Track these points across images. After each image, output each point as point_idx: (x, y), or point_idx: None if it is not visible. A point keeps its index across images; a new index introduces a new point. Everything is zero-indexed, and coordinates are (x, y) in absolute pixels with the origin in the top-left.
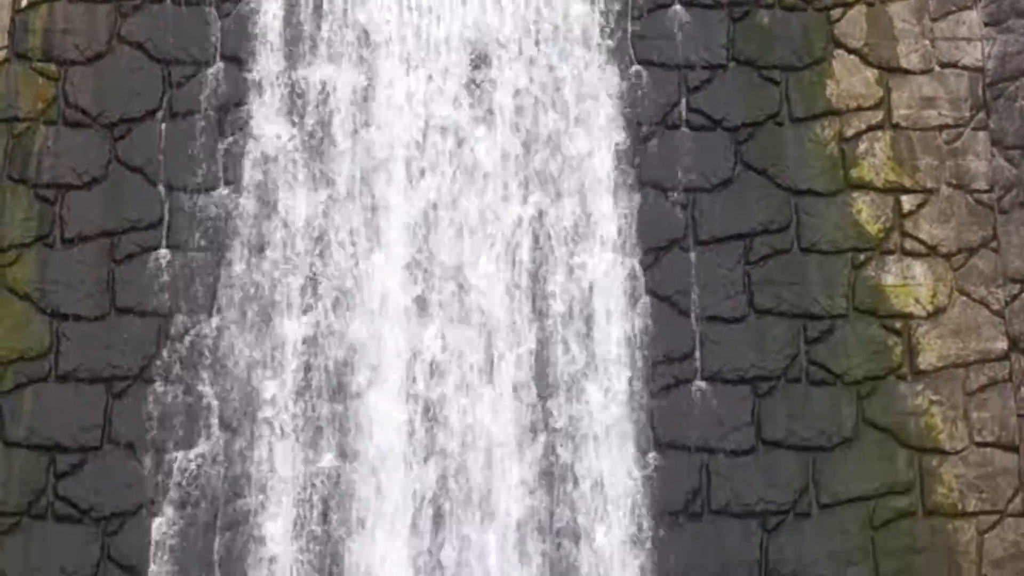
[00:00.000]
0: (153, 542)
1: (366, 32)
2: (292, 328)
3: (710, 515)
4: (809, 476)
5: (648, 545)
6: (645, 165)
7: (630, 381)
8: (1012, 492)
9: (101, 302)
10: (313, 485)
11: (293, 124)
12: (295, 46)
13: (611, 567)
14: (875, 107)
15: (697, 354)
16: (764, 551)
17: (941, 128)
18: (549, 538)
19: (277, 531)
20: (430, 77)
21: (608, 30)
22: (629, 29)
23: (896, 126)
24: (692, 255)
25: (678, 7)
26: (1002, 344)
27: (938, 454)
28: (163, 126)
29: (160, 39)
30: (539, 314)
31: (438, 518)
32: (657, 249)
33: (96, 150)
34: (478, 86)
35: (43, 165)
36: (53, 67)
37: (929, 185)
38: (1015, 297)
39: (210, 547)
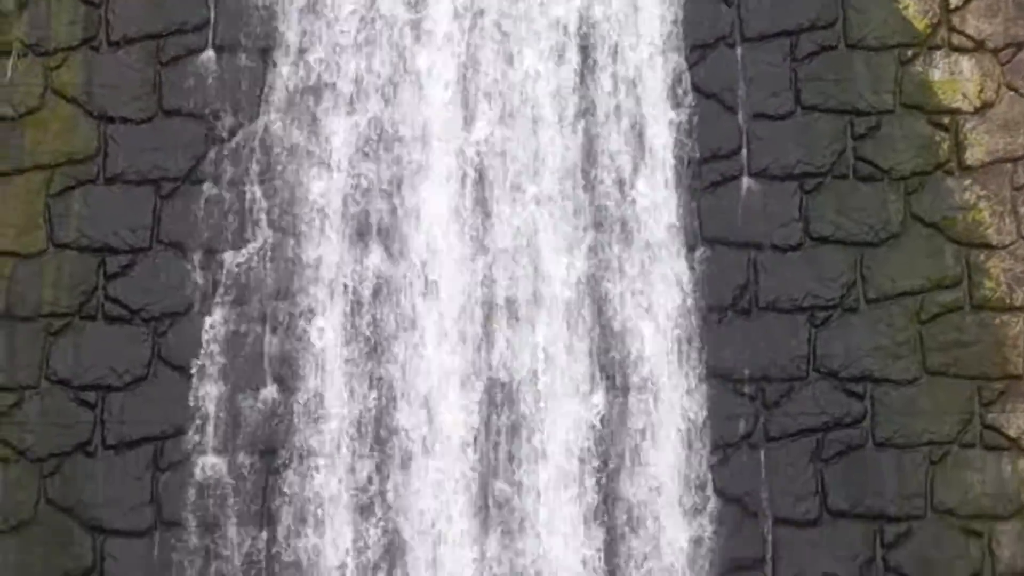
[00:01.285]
0: (203, 342)
1: None
2: (340, 124)
3: (758, 311)
4: (857, 271)
5: (696, 341)
6: None
7: (677, 177)
8: None
9: (148, 104)
10: (361, 283)
11: None
12: None
13: (659, 362)
14: None
15: (744, 151)
16: (812, 346)
17: None
18: (596, 331)
19: (326, 330)
20: None
21: None
22: None
23: None
24: (739, 51)
25: None
26: None
27: (985, 248)
28: None
29: None
30: (584, 112)
31: (488, 316)
32: (703, 46)
33: None
34: None
35: None
36: None
37: None
38: None
39: (260, 347)
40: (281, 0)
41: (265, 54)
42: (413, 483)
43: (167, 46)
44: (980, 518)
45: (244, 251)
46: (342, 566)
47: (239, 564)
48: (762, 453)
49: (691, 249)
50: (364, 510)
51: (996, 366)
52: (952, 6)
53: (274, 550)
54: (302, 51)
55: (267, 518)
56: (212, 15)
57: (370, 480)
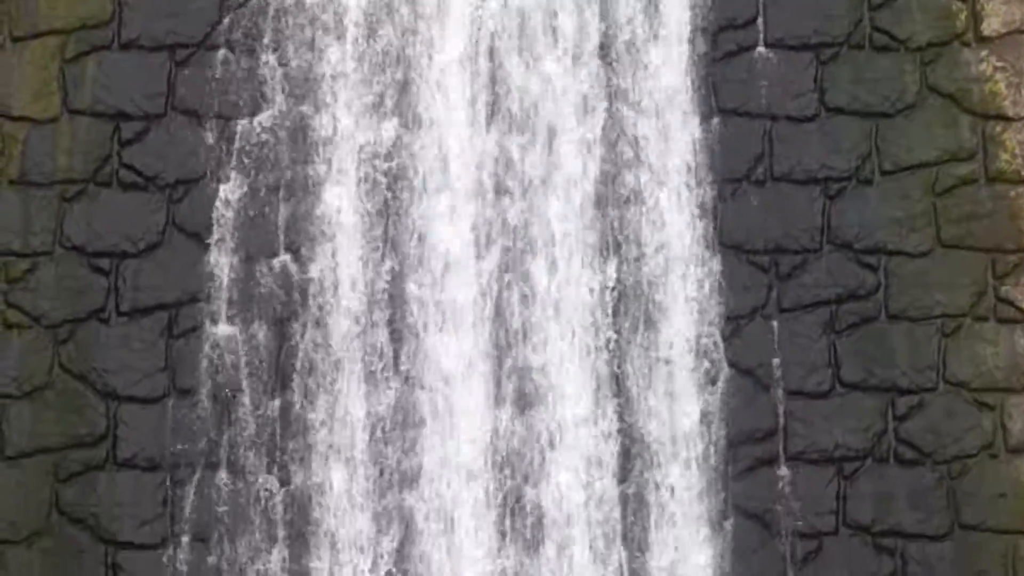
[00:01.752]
0: (217, 209)
1: None
2: None
3: (772, 182)
4: (872, 142)
5: (710, 212)
6: None
7: (692, 46)
8: None
9: None
10: (376, 152)
11: None
12: None
13: (672, 232)
14: None
15: (760, 20)
16: (826, 217)
17: None
18: (612, 199)
19: (341, 199)
20: None
21: None
22: None
23: None
24: None
25: None
26: None
27: (1002, 120)
28: None
29: None
30: None
31: (500, 185)
32: None
33: None
34: None
35: None
36: None
37: None
38: None
39: (274, 215)
40: None
41: None
42: (427, 352)
43: None
44: (992, 391)
45: (259, 119)
46: (354, 430)
47: (252, 431)
48: (775, 325)
49: (705, 119)
50: (378, 377)
51: (1010, 239)
52: None
53: (289, 417)
54: None
55: (280, 385)
56: None
57: (382, 350)
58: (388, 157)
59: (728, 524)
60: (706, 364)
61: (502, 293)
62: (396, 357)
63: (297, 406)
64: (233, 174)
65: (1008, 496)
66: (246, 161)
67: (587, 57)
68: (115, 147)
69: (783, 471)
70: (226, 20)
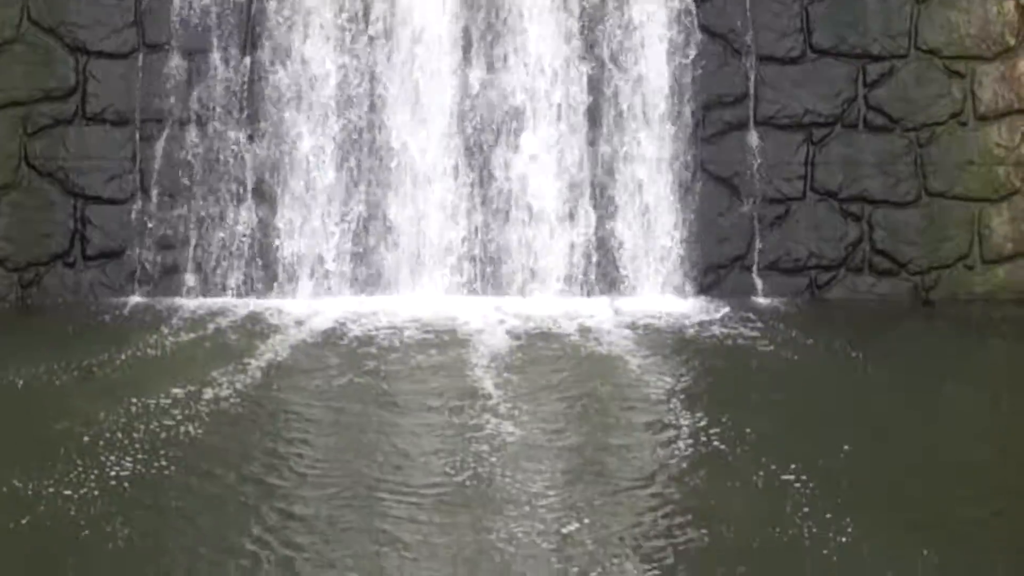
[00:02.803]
0: None
1: None
2: None
3: None
4: None
5: None
6: None
7: None
8: None
9: None
10: None
11: None
12: None
13: None
14: None
15: None
16: None
17: None
18: None
19: None
20: None
21: None
22: None
23: None
24: None
25: None
26: None
27: None
28: None
29: None
30: None
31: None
32: None
33: None
34: None
35: None
36: None
37: None
38: None
39: None
40: None
41: None
42: (397, 7)
43: None
44: (963, 59)
45: None
46: (323, 86)
47: (222, 88)
48: None
49: None
50: (346, 33)
51: None
52: None
53: (258, 74)
54: None
55: (251, 43)
56: None
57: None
58: None
59: (697, 188)
60: (678, 29)
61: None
62: (366, 13)
63: (267, 63)
64: None
65: (975, 163)
66: None
67: None
68: None
69: (752, 136)
70: None
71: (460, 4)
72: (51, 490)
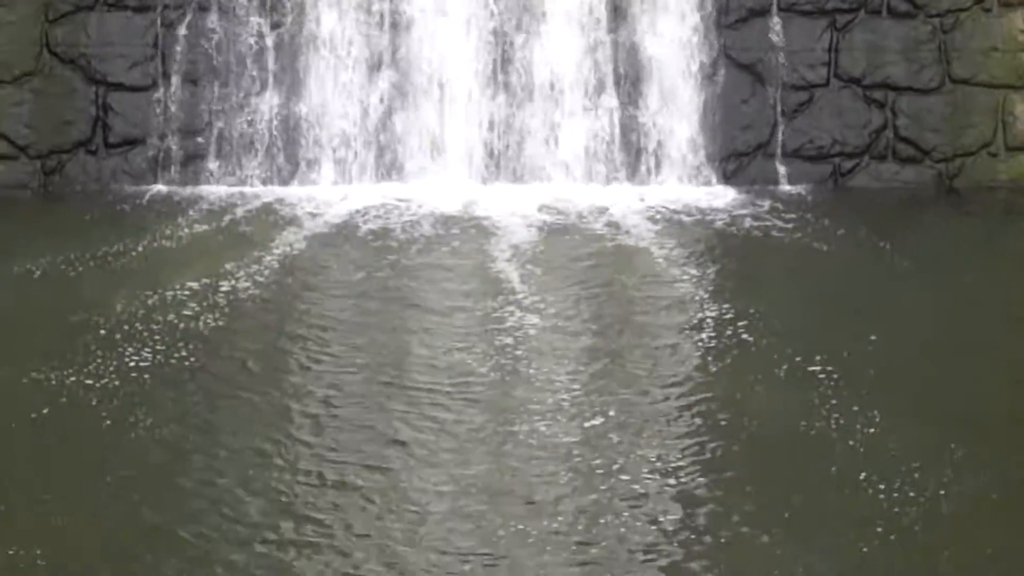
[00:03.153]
0: None
1: None
2: None
3: None
4: None
5: None
6: None
7: None
8: None
9: None
10: None
11: None
12: None
13: None
14: None
15: None
16: None
17: None
18: None
19: None
20: None
21: None
22: None
23: None
24: None
25: None
26: None
27: None
28: None
29: None
30: None
31: None
32: None
33: None
34: None
35: None
36: None
37: None
38: None
39: None
40: None
41: None
42: None
43: None
44: None
45: None
46: None
47: None
48: None
49: None
50: None
51: None
52: None
53: None
54: None
55: None
56: None
57: None
58: None
59: (719, 75)
60: None
61: None
62: None
63: None
64: None
65: (999, 50)
66: None
67: None
68: None
69: (775, 21)
70: None
71: None
72: (72, 379)
